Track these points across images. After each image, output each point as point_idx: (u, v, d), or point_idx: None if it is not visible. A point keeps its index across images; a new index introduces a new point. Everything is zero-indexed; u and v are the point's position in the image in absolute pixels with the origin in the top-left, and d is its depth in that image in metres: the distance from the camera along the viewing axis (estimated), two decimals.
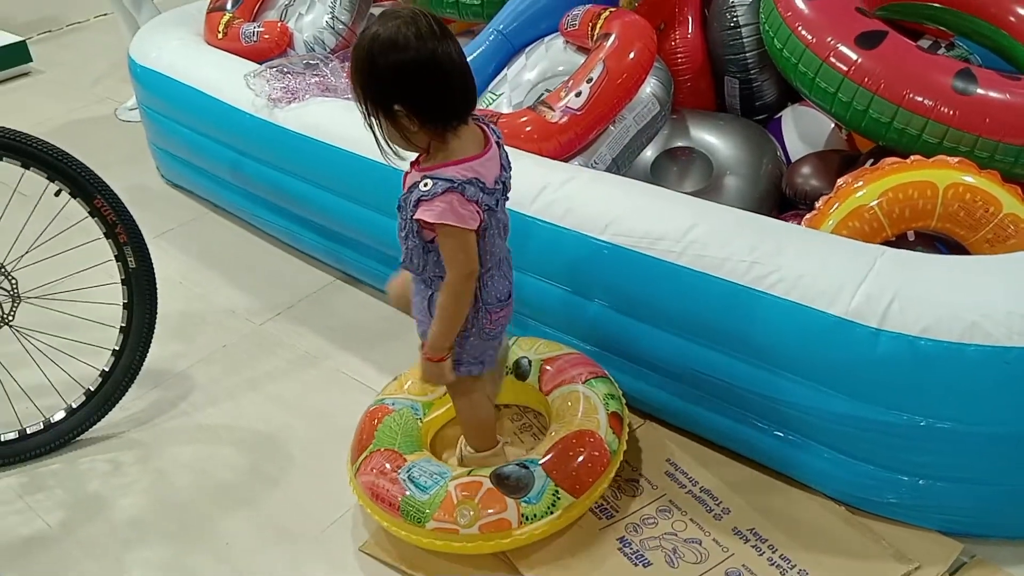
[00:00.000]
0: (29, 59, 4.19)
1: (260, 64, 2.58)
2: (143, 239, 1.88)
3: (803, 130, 2.33)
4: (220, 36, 2.80)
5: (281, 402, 2.02)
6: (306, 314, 2.31)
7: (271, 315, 2.32)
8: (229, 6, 2.90)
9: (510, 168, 1.44)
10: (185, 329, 2.28)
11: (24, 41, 4.19)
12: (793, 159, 2.30)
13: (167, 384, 2.10)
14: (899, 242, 1.77)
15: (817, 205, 1.83)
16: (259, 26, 2.77)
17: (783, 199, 2.18)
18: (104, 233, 1.84)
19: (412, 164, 1.40)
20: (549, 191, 1.83)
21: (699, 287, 1.58)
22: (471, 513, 1.47)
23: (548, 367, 1.71)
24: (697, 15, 2.39)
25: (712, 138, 2.29)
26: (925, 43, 2.40)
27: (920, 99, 1.84)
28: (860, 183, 1.78)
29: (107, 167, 3.29)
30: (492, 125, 1.44)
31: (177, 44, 2.79)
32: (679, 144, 2.32)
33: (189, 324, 2.30)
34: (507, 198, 1.44)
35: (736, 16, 2.29)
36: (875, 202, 1.73)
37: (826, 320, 1.44)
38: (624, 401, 1.69)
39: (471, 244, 1.35)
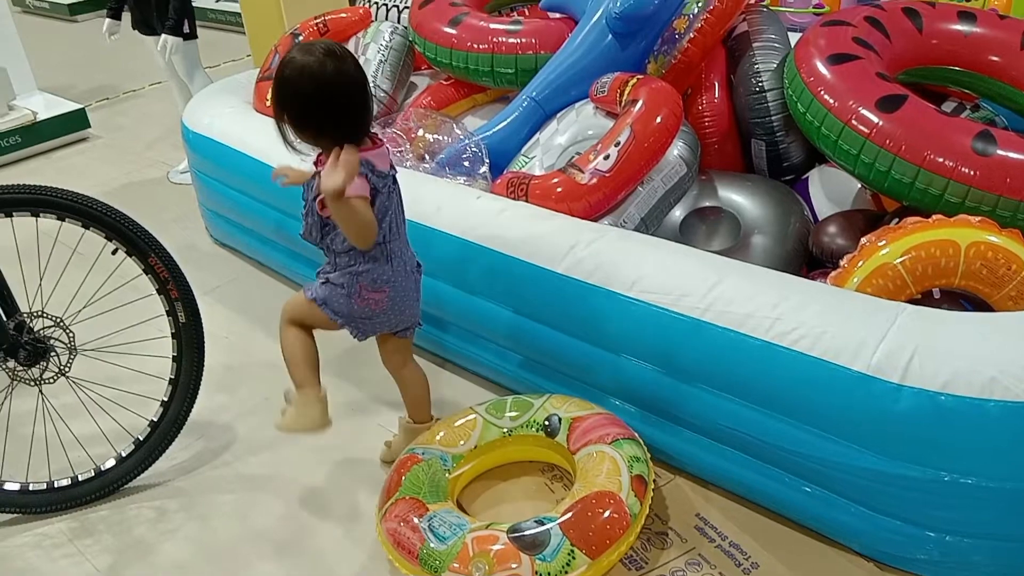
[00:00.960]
0: (87, 125, 4.43)
1: None
2: (193, 295, 1.98)
3: (830, 190, 2.38)
4: (268, 104, 2.95)
5: (319, 452, 2.09)
6: (345, 367, 2.39)
7: None
8: None
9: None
10: (229, 381, 2.37)
11: (83, 108, 4.43)
12: (820, 217, 2.35)
13: (211, 434, 2.18)
14: (925, 299, 1.81)
15: (842, 263, 1.87)
16: None
17: (811, 258, 2.23)
18: (156, 289, 1.95)
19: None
20: (579, 249, 1.90)
21: (723, 343, 1.62)
22: (486, 567, 1.50)
23: (577, 426, 1.76)
24: (723, 80, 2.48)
25: (740, 198, 2.35)
26: (950, 106, 2.46)
27: (941, 160, 1.89)
28: (883, 241, 1.82)
29: (160, 227, 3.48)
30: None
31: (228, 111, 2.94)
32: (707, 204, 2.38)
33: (233, 377, 2.39)
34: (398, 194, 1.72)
35: (761, 81, 2.37)
36: (899, 260, 1.77)
37: (848, 376, 1.47)
38: (651, 464, 1.72)
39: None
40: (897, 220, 2.08)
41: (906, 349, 1.44)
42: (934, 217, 1.82)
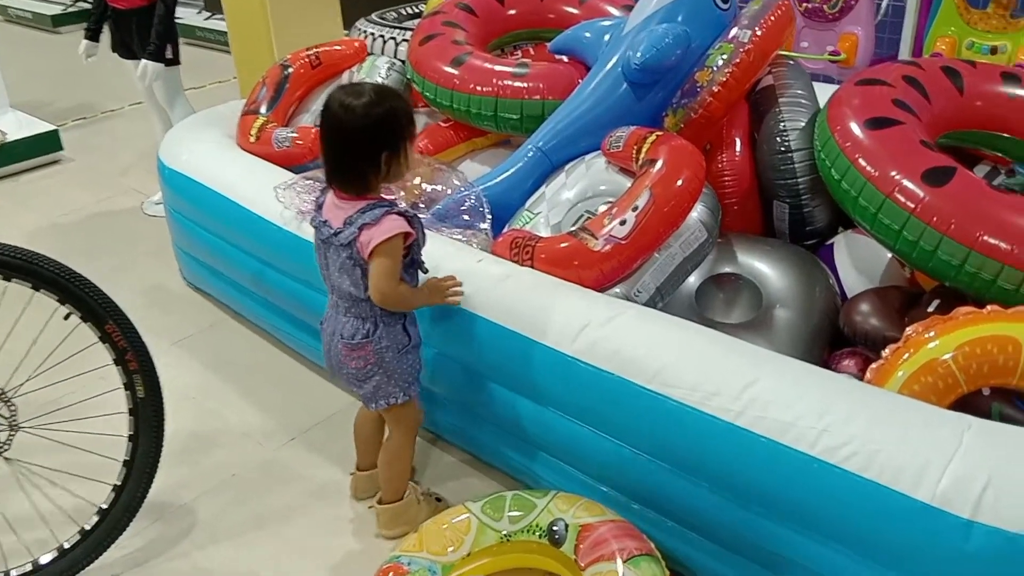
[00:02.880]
0: (60, 147, 4.20)
1: (293, 170, 2.51)
2: (153, 367, 1.76)
3: (857, 258, 2.19)
4: (252, 140, 2.74)
5: (287, 544, 1.86)
6: (323, 440, 2.17)
7: (285, 439, 2.17)
8: (263, 109, 2.86)
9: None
10: (194, 452, 2.14)
11: (56, 130, 4.20)
12: (847, 288, 2.16)
13: (169, 517, 1.95)
14: (972, 395, 1.62)
15: (884, 354, 1.67)
16: (292, 131, 2.71)
17: (837, 333, 2.03)
18: (113, 360, 1.72)
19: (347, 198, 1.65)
20: (592, 329, 1.70)
21: (761, 454, 1.42)
22: None
23: (587, 535, 1.54)
24: (745, 137, 2.30)
25: (761, 265, 2.16)
26: (983, 169, 2.29)
27: (995, 242, 1.70)
28: (932, 333, 1.63)
29: (129, 264, 3.27)
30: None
31: (207, 147, 2.73)
32: (726, 270, 2.19)
33: (199, 446, 2.16)
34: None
35: (787, 140, 2.19)
36: (949, 356, 1.58)
37: (909, 505, 1.27)
38: None
39: None
40: (938, 302, 1.90)
41: (978, 478, 1.24)
42: (989, 308, 1.63)
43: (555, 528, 1.59)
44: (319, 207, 1.73)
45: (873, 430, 1.35)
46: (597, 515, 1.59)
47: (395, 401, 1.75)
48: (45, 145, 4.14)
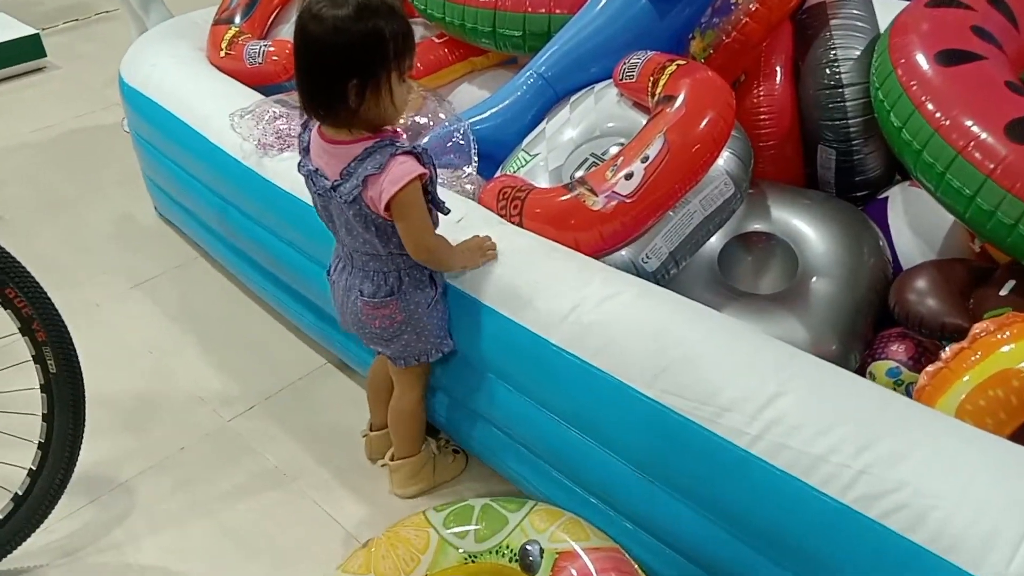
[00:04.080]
0: (43, 53, 3.88)
1: (266, 90, 2.19)
2: (68, 336, 1.50)
3: (916, 217, 1.84)
4: (223, 54, 2.41)
5: (233, 536, 1.64)
6: (285, 409, 1.92)
7: (244, 408, 1.93)
8: (237, 19, 2.51)
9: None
10: (142, 420, 1.91)
11: (37, 34, 3.86)
12: (900, 254, 1.82)
13: (105, 499, 1.73)
14: None
15: (944, 355, 1.35)
16: (267, 44, 2.37)
17: (886, 307, 1.71)
18: (19, 329, 1.47)
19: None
20: (584, 310, 1.39)
21: (780, 493, 1.13)
22: None
23: (565, 565, 1.28)
24: (788, 67, 1.92)
25: (799, 222, 1.82)
26: None
27: None
28: (1007, 334, 1.30)
29: (99, 192, 2.99)
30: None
31: (171, 62, 2.40)
32: (755, 228, 1.85)
33: (147, 413, 1.93)
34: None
35: (839, 73, 1.81)
36: None
37: None
38: None
39: None
40: (1014, 283, 1.56)
41: None
42: None
43: (528, 551, 1.33)
44: (305, 150, 1.44)
45: (928, 476, 1.05)
46: (580, 539, 1.32)
47: (427, 359, 1.55)
48: (25, 51, 3.81)
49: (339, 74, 1.27)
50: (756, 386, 1.20)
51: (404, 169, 1.31)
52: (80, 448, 1.56)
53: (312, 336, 2.06)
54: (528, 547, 1.33)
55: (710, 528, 1.25)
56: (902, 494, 1.04)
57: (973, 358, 1.31)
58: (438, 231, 1.46)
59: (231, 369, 2.04)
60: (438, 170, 1.89)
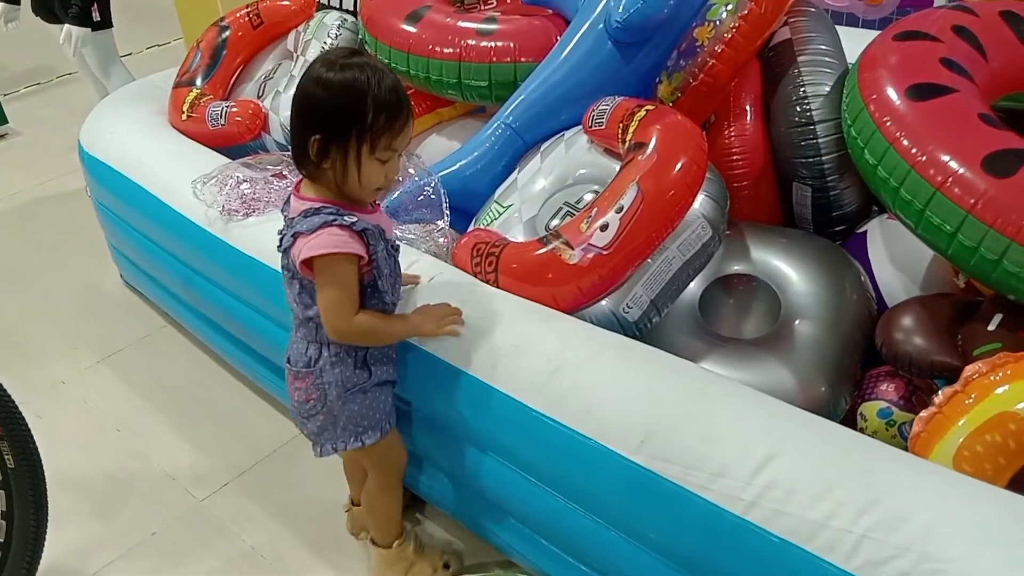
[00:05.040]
0: (4, 120, 3.83)
1: (230, 152, 2.15)
2: (26, 427, 1.43)
3: (896, 249, 1.80)
4: (184, 117, 2.37)
5: None
6: (260, 484, 1.85)
7: (218, 485, 1.85)
8: (199, 80, 2.48)
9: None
10: (111, 504, 1.83)
11: None
12: (883, 289, 1.79)
13: None
14: None
15: (936, 399, 1.31)
16: (231, 105, 2.33)
17: (872, 347, 1.67)
18: None
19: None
20: (564, 374, 1.34)
21: (781, 562, 1.07)
22: None
23: None
24: (757, 106, 1.90)
25: (779, 263, 1.78)
26: None
27: None
28: (1000, 375, 1.26)
29: (65, 261, 2.91)
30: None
31: (132, 128, 2.35)
32: (735, 269, 1.82)
33: (117, 497, 1.84)
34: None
35: (809, 110, 1.79)
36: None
37: None
38: None
39: None
40: (1001, 317, 1.53)
41: None
42: None
43: None
44: (286, 201, 1.40)
45: (931, 539, 1.00)
46: None
47: (343, 447, 1.43)
48: None
49: (306, 125, 1.25)
50: (748, 448, 1.15)
51: (331, 240, 1.26)
52: (43, 544, 1.48)
53: (286, 404, 1.99)
54: None
55: None
56: (907, 559, 0.99)
57: (967, 401, 1.27)
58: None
59: (203, 444, 1.97)
60: (411, 225, 1.88)
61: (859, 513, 1.04)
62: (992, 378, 1.27)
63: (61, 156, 3.57)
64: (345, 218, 1.27)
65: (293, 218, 1.31)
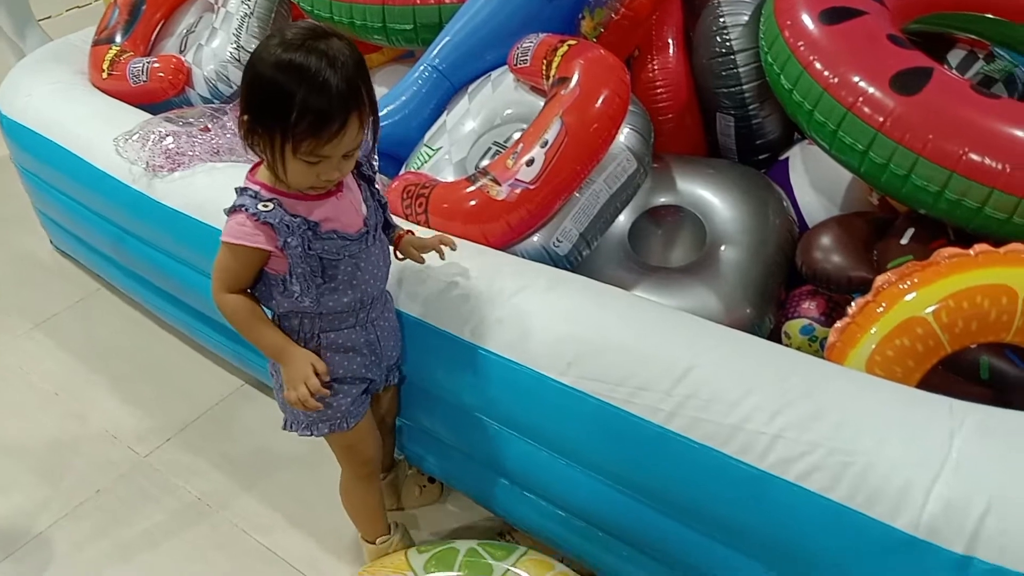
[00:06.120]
0: None
1: (153, 109, 2.11)
2: None
3: (816, 174, 1.86)
4: (105, 76, 2.31)
5: None
6: (203, 437, 1.85)
7: (160, 441, 1.85)
8: (118, 37, 2.41)
9: None
10: (54, 466, 1.82)
11: None
12: (804, 213, 1.84)
13: (22, 553, 1.64)
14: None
15: (850, 309, 1.37)
16: (152, 61, 2.28)
17: (794, 269, 1.73)
18: None
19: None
20: (496, 306, 1.36)
21: (700, 466, 1.12)
22: None
23: None
24: (679, 38, 1.92)
25: (704, 192, 1.82)
26: (958, 55, 1.95)
27: (980, 160, 1.38)
28: (908, 284, 1.32)
29: None
30: None
31: (51, 89, 2.28)
32: (663, 202, 1.85)
33: (59, 459, 1.83)
34: None
35: (728, 39, 1.82)
36: (930, 311, 1.28)
37: (886, 536, 0.99)
38: None
39: None
40: (913, 231, 1.59)
41: (975, 500, 0.96)
42: (976, 249, 1.32)
43: None
44: None
45: (840, 435, 1.05)
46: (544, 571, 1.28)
47: (291, 429, 1.33)
48: None
49: (241, 100, 1.14)
50: (669, 363, 1.19)
51: (235, 230, 1.17)
52: None
53: (226, 357, 1.99)
54: None
55: (635, 507, 1.24)
56: (817, 455, 1.05)
57: (878, 310, 1.33)
58: None
59: (143, 402, 1.96)
60: None
61: (773, 415, 1.09)
62: (901, 286, 1.33)
63: None
64: (259, 205, 1.16)
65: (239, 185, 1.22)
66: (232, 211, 1.19)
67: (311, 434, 1.31)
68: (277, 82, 1.07)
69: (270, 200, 1.17)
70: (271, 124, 1.10)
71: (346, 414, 1.32)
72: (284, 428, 1.34)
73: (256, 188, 1.19)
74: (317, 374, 1.21)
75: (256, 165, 1.23)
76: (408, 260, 1.41)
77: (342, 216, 1.22)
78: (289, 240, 1.16)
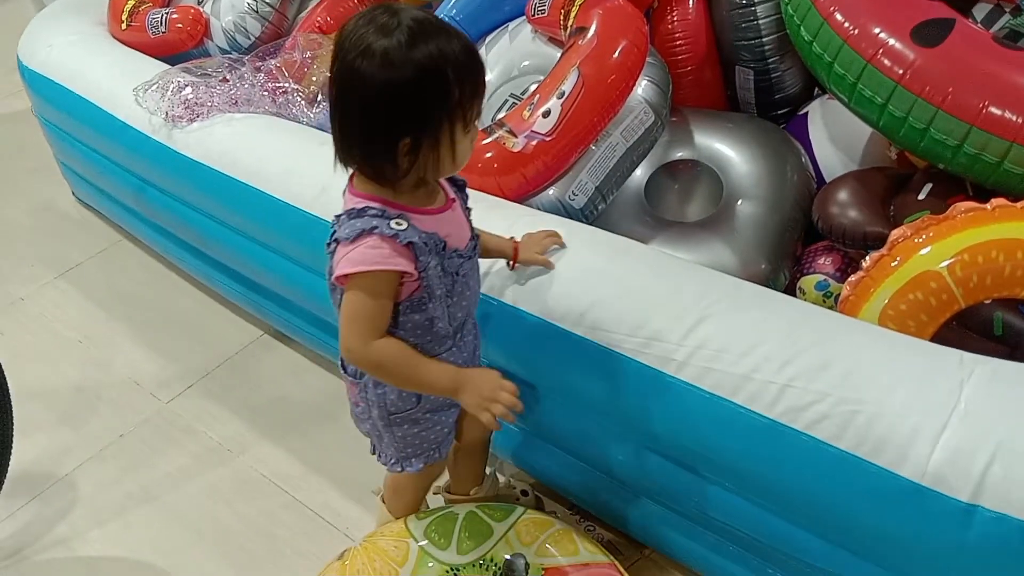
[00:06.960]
0: None
1: (172, 60, 2.12)
2: None
3: (836, 130, 1.84)
4: (124, 27, 2.31)
5: (180, 520, 1.61)
6: (224, 385, 1.89)
7: (182, 388, 1.89)
8: None
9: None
10: (78, 411, 1.86)
11: None
12: (823, 168, 1.83)
13: (48, 494, 1.69)
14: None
15: (865, 263, 1.37)
16: (171, 11, 2.28)
17: (811, 225, 1.72)
18: None
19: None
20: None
21: (710, 416, 1.14)
22: None
23: None
24: None
25: (722, 147, 1.81)
26: (983, 9, 1.90)
27: (1001, 113, 1.36)
28: (923, 238, 1.32)
29: (15, 181, 2.89)
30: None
31: (71, 39, 2.29)
32: (680, 156, 1.85)
33: (83, 404, 1.88)
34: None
35: None
36: (944, 265, 1.28)
37: (892, 484, 1.00)
38: None
39: None
40: (931, 186, 1.58)
41: (981, 447, 0.97)
42: (993, 203, 1.31)
43: (513, 565, 1.27)
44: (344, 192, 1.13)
45: (848, 384, 1.06)
46: (569, 554, 1.27)
47: (389, 463, 1.25)
48: None
49: (382, 125, 0.97)
50: (681, 313, 1.20)
51: (368, 255, 1.00)
52: (10, 453, 1.51)
53: (246, 308, 2.02)
54: (513, 561, 1.27)
55: (646, 455, 1.26)
56: (825, 404, 1.06)
57: (893, 264, 1.33)
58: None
59: (165, 350, 2.00)
60: None
61: (782, 365, 1.10)
62: (916, 240, 1.32)
63: (4, 76, 3.46)
64: (391, 224, 1.01)
65: (339, 215, 1.06)
66: (357, 237, 1.00)
67: (401, 469, 1.23)
68: (424, 68, 0.94)
69: (400, 217, 1.02)
70: (438, 115, 0.97)
71: (440, 444, 1.24)
72: (382, 461, 1.26)
73: (377, 205, 1.02)
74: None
75: (351, 179, 1.07)
76: None
77: (457, 230, 1.11)
78: (427, 260, 1.03)
